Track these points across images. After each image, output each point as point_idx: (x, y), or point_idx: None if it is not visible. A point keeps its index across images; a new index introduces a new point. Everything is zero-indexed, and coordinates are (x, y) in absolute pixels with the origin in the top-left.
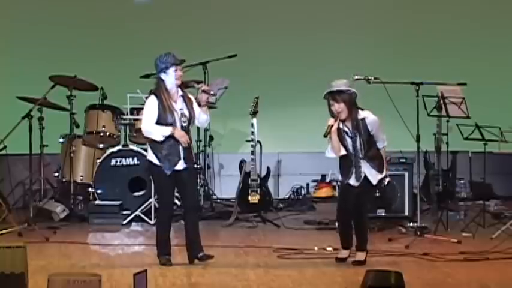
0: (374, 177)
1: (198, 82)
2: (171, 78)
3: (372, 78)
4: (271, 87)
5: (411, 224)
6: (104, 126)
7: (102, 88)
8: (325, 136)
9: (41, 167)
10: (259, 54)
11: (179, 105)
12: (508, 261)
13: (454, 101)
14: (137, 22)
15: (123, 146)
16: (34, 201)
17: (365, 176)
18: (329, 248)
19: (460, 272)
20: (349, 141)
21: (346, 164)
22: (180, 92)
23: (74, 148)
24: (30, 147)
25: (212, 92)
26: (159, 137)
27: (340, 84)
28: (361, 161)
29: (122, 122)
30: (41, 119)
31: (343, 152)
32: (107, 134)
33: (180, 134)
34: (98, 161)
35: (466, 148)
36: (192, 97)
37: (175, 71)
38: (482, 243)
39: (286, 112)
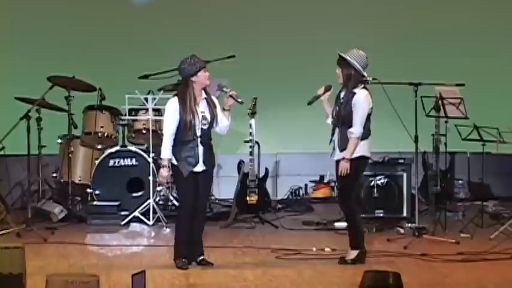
0: (336, 151)
1: (222, 86)
2: (201, 80)
3: (370, 78)
4: (270, 87)
5: (409, 225)
6: (102, 127)
7: (100, 89)
8: (308, 103)
9: (39, 167)
10: (258, 55)
11: (201, 108)
12: (506, 262)
13: (452, 102)
14: (136, 23)
15: (122, 146)
16: (32, 201)
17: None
18: (327, 249)
19: (458, 272)
20: (337, 107)
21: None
22: (204, 95)
23: (72, 149)
24: (29, 148)
25: (240, 100)
26: (162, 152)
27: (350, 53)
28: (336, 129)
29: (120, 122)
30: (39, 119)
31: (330, 119)
32: (105, 134)
33: (161, 174)
34: (96, 161)
35: (464, 149)
36: (215, 100)
37: (204, 72)
38: (480, 243)
39: (285, 113)
